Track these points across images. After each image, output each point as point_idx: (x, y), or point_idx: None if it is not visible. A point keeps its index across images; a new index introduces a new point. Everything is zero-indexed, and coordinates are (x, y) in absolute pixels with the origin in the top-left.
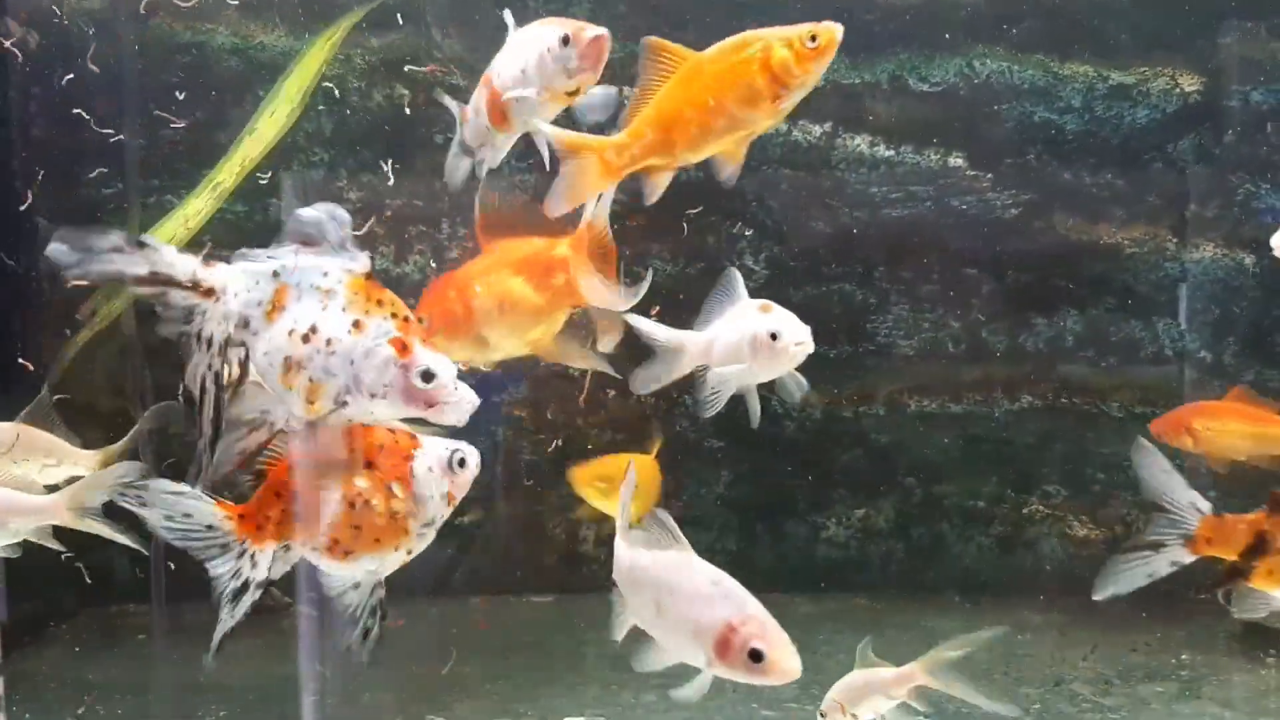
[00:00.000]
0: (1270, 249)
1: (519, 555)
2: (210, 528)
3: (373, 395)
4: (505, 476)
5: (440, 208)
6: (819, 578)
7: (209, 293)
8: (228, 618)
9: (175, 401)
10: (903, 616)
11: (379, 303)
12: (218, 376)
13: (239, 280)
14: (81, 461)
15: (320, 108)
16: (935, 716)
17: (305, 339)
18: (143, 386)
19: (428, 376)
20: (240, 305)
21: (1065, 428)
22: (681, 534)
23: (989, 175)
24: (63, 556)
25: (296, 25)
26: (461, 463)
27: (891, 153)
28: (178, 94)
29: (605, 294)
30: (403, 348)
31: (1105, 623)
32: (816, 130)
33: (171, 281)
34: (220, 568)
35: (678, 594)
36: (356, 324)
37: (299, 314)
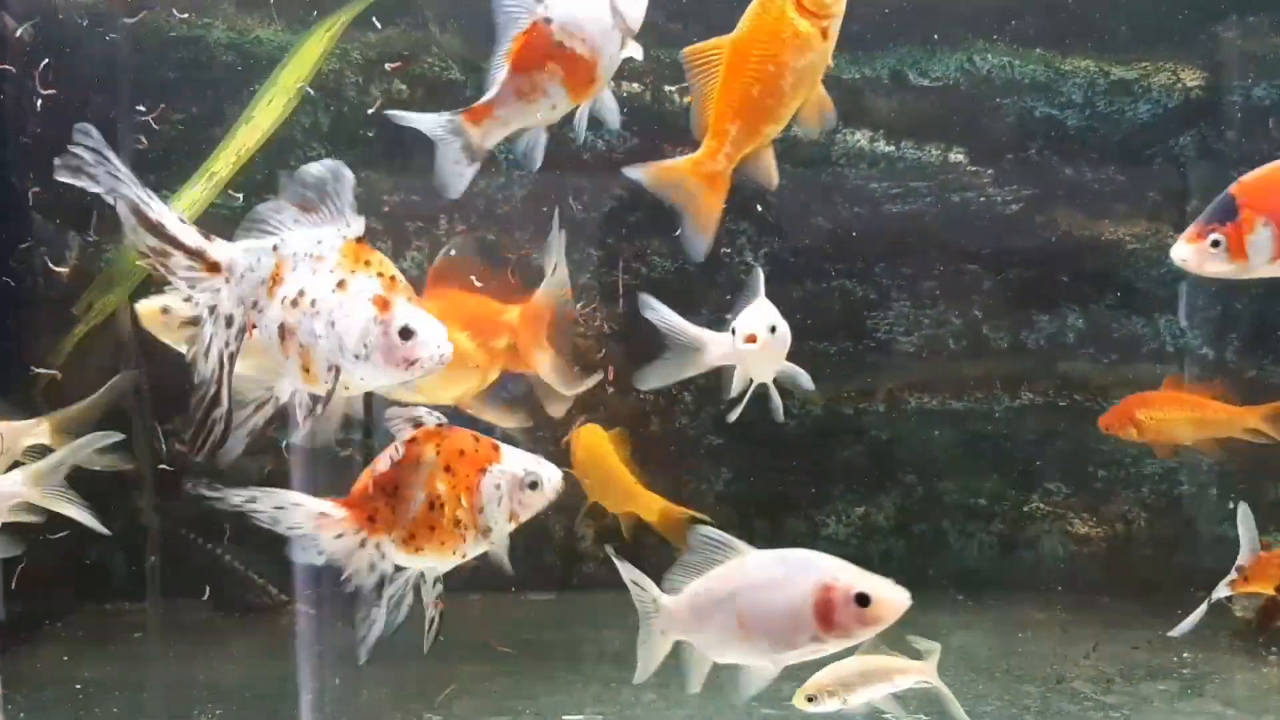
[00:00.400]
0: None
1: (518, 552)
2: (323, 514)
3: (356, 356)
4: None
5: (439, 204)
6: None
7: (214, 267)
8: (382, 613)
9: (135, 371)
10: (903, 614)
11: (366, 263)
12: (232, 356)
13: (244, 260)
14: (35, 433)
15: (320, 101)
16: (936, 715)
17: (295, 304)
18: (138, 382)
19: (406, 333)
20: (249, 286)
21: (1066, 425)
22: (728, 536)
23: (990, 171)
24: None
25: (293, 20)
26: (534, 485)
27: (892, 148)
28: (145, 101)
29: (554, 370)
30: (384, 305)
31: (1106, 620)
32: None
33: (176, 243)
34: (350, 562)
35: (755, 593)
36: (341, 283)
37: (292, 282)
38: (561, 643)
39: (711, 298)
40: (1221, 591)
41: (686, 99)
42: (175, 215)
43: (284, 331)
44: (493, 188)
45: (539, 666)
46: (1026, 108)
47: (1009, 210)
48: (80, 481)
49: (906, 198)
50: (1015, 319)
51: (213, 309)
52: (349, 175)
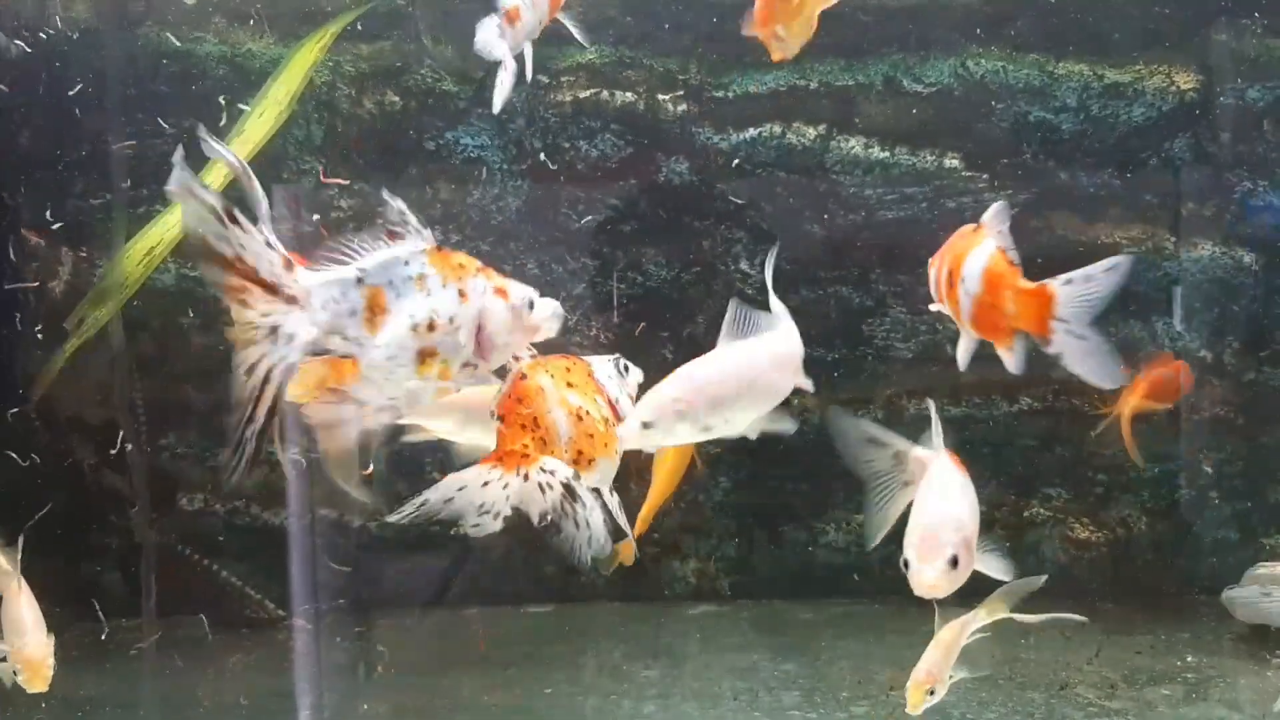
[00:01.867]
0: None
1: (517, 565)
2: (486, 485)
3: (500, 346)
4: None
5: (432, 215)
6: (819, 584)
7: (291, 300)
8: (583, 506)
9: None
10: (904, 622)
11: (461, 265)
12: (289, 369)
13: (323, 292)
14: None
15: (312, 113)
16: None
17: (431, 327)
18: (131, 397)
19: (533, 305)
20: (330, 316)
21: (1064, 429)
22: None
23: (985, 176)
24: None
25: (285, 33)
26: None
27: (886, 154)
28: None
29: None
30: (503, 293)
31: (1109, 625)
32: (811, 133)
33: (254, 278)
34: (526, 495)
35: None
36: (461, 294)
37: (411, 308)
38: (560, 655)
39: (708, 306)
40: None
41: (681, 108)
42: (264, 243)
43: (423, 355)
44: (487, 198)
45: (538, 680)
46: (1021, 112)
47: None
48: (78, 496)
49: (901, 204)
50: None
51: (273, 330)
52: (398, 200)
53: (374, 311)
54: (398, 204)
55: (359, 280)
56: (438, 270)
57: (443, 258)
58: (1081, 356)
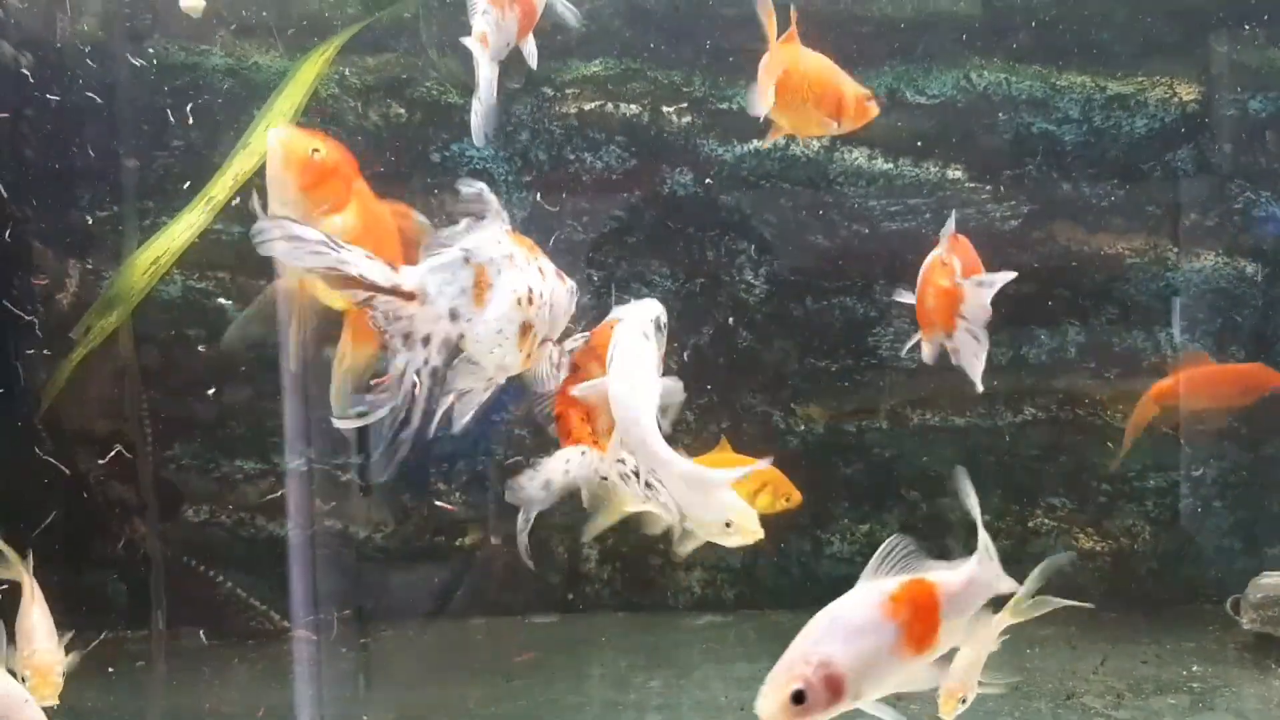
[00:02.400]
0: None
1: (521, 575)
2: (584, 453)
3: (558, 325)
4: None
5: (437, 224)
6: (823, 593)
7: (410, 296)
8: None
9: None
10: None
11: (532, 246)
12: (434, 371)
13: (436, 278)
14: None
15: (319, 126)
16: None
17: (530, 302)
18: (140, 409)
19: (572, 291)
20: (448, 301)
21: (1068, 439)
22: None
23: (988, 187)
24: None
25: (291, 46)
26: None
27: (890, 166)
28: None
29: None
30: (561, 275)
31: (1114, 635)
32: (814, 144)
33: (375, 287)
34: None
35: None
36: (540, 271)
37: (513, 283)
38: (565, 665)
39: (713, 317)
40: None
41: (685, 119)
42: (364, 256)
43: (525, 329)
44: None
45: (542, 690)
46: (1023, 123)
47: (1007, 226)
48: (83, 505)
49: (905, 215)
50: (1016, 334)
51: (407, 336)
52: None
53: (480, 288)
54: (478, 186)
55: (465, 259)
56: (520, 248)
57: (518, 237)
58: (969, 353)
